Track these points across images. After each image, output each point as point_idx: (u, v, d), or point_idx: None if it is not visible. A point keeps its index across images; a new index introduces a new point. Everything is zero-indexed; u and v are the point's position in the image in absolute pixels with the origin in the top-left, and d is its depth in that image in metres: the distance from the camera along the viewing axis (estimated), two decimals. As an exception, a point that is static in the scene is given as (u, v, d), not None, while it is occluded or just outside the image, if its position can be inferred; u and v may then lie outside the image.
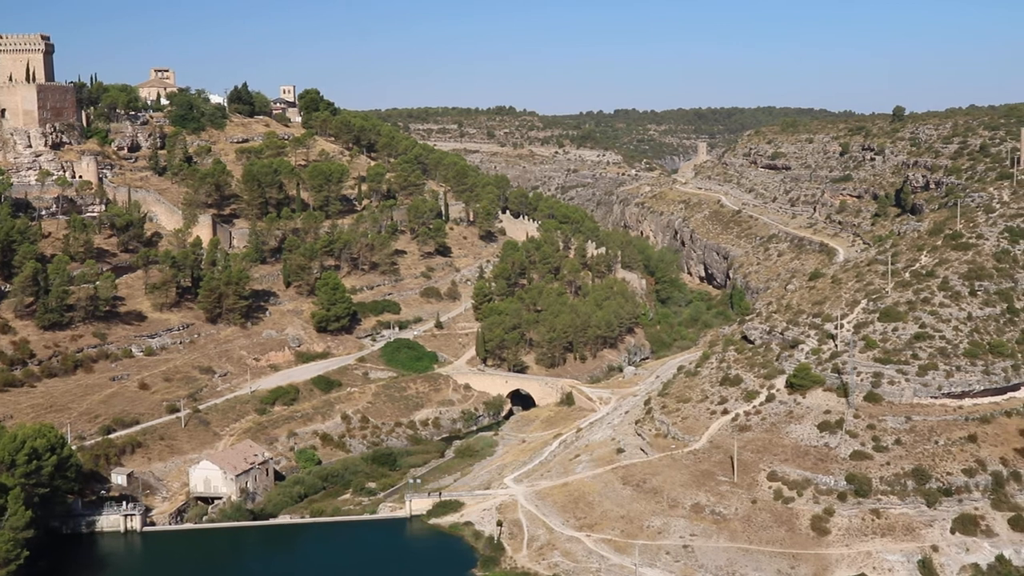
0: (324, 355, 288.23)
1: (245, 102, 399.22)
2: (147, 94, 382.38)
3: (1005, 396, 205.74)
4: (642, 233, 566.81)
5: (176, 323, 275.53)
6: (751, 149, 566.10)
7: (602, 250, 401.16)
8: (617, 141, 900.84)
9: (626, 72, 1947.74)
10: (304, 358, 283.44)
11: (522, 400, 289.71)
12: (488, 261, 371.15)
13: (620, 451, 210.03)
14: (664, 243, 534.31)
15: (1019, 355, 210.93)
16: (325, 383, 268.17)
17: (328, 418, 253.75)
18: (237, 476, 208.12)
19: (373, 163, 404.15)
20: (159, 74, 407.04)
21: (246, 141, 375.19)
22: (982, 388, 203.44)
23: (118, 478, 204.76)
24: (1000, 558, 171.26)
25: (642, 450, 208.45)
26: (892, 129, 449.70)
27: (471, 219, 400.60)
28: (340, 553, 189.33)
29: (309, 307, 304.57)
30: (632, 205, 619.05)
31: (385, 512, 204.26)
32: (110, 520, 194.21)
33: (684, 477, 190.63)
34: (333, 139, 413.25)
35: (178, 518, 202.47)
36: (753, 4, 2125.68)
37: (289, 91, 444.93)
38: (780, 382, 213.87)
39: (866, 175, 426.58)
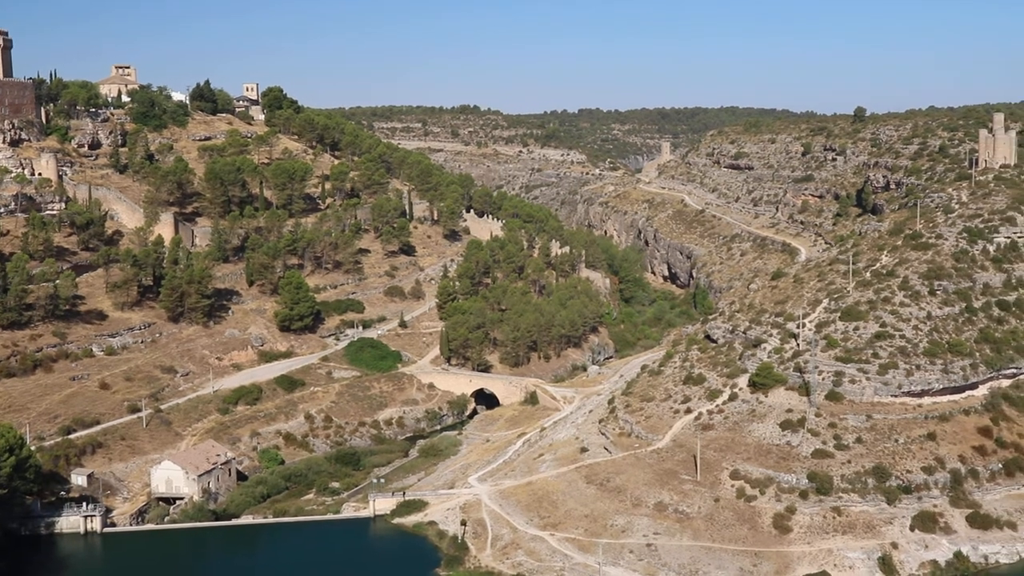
0: (287, 354, 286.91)
1: (208, 100, 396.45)
2: (108, 91, 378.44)
3: (963, 394, 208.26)
4: (606, 232, 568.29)
5: (137, 322, 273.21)
6: (714, 149, 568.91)
7: (566, 249, 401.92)
8: (581, 140, 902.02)
9: (590, 72, 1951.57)
10: (267, 357, 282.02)
11: (486, 399, 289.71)
12: (452, 260, 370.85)
13: (584, 450, 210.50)
14: (628, 242, 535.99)
15: (977, 354, 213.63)
16: (288, 382, 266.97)
17: (291, 418, 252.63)
18: (199, 476, 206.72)
19: (337, 162, 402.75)
20: (120, 71, 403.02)
21: (209, 139, 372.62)
22: (941, 387, 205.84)
23: (78, 479, 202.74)
24: (958, 555, 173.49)
25: (606, 449, 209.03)
26: (853, 130, 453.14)
27: (435, 218, 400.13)
28: (303, 553, 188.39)
29: (272, 306, 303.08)
30: (596, 204, 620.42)
31: (349, 512, 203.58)
32: (70, 521, 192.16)
33: (647, 476, 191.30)
34: (296, 137, 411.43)
35: (139, 519, 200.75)
36: (716, 4, 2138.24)
37: (252, 89, 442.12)
38: (743, 381, 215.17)
39: (828, 175, 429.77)
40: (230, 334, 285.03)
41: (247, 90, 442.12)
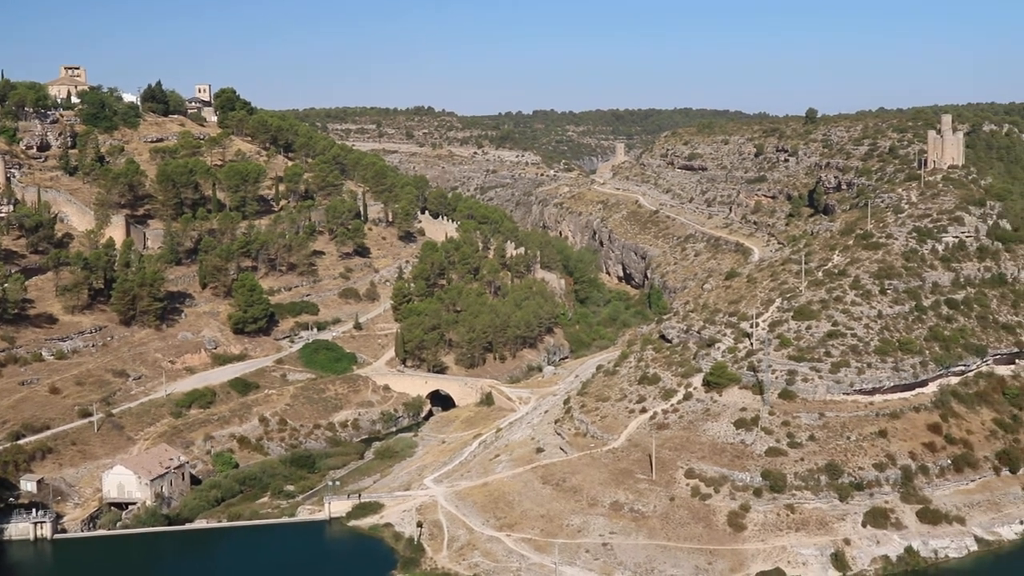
0: (241, 357, 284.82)
1: (159, 101, 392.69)
2: (57, 92, 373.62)
3: (914, 392, 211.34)
4: (561, 233, 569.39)
5: (88, 326, 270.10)
6: (668, 150, 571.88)
7: (521, 250, 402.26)
8: (536, 142, 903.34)
9: (545, 73, 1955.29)
10: (221, 360, 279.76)
11: (442, 401, 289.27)
12: (407, 262, 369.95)
13: (540, 450, 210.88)
14: (583, 243, 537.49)
15: (927, 352, 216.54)
16: (242, 385, 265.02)
17: (245, 421, 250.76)
18: (152, 481, 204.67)
19: (291, 163, 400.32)
20: (70, 72, 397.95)
21: (160, 140, 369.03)
22: (892, 384, 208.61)
23: (28, 485, 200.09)
24: (909, 549, 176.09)
25: (561, 449, 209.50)
26: (805, 131, 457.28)
27: (390, 219, 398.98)
28: (258, 557, 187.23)
29: (226, 309, 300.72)
30: (551, 205, 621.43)
31: (304, 515, 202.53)
32: (19, 528, 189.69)
33: (603, 476, 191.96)
34: (250, 139, 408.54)
35: (91, 525, 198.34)
36: (669, 7, 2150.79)
37: (205, 90, 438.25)
38: (697, 380, 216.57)
39: (780, 176, 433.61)
40: (183, 337, 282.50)
41: (199, 91, 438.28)
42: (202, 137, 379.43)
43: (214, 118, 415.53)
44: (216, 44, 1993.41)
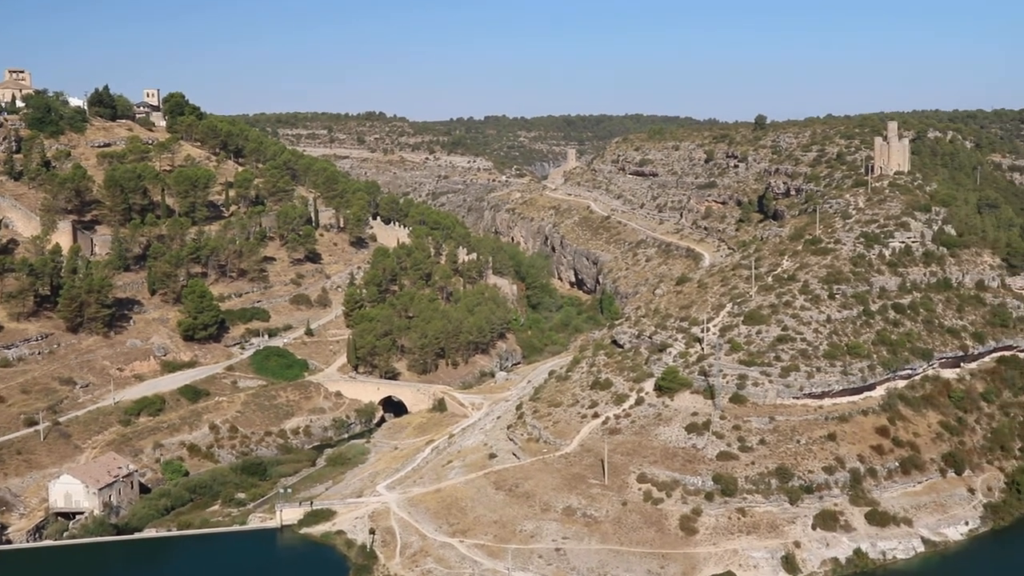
0: (191, 364, 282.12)
1: (107, 105, 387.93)
2: (1, 96, 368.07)
3: (862, 395, 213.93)
4: (513, 239, 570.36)
5: (34, 333, 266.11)
6: (619, 156, 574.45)
7: (473, 256, 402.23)
8: (488, 147, 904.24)
9: (496, 79, 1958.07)
10: (170, 367, 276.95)
11: (394, 407, 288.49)
12: (359, 267, 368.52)
13: (492, 456, 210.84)
14: (535, 249, 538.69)
15: (874, 356, 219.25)
16: (192, 392, 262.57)
17: (196, 428, 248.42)
18: (100, 490, 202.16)
19: (241, 169, 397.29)
20: (14, 75, 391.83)
21: (108, 145, 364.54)
22: (841, 388, 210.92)
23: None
24: (858, 551, 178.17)
25: (514, 455, 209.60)
26: (754, 137, 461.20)
27: (341, 225, 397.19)
28: (209, 566, 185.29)
29: (175, 315, 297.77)
30: (503, 211, 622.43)
31: (255, 523, 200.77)
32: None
33: (556, 481, 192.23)
34: (199, 144, 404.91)
35: (36, 535, 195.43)
36: (619, 12, 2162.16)
37: (153, 95, 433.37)
38: (649, 385, 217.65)
39: (730, 182, 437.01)
40: (132, 344, 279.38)
41: (148, 96, 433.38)
42: (150, 142, 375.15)
43: (163, 123, 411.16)
44: (164, 49, 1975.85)
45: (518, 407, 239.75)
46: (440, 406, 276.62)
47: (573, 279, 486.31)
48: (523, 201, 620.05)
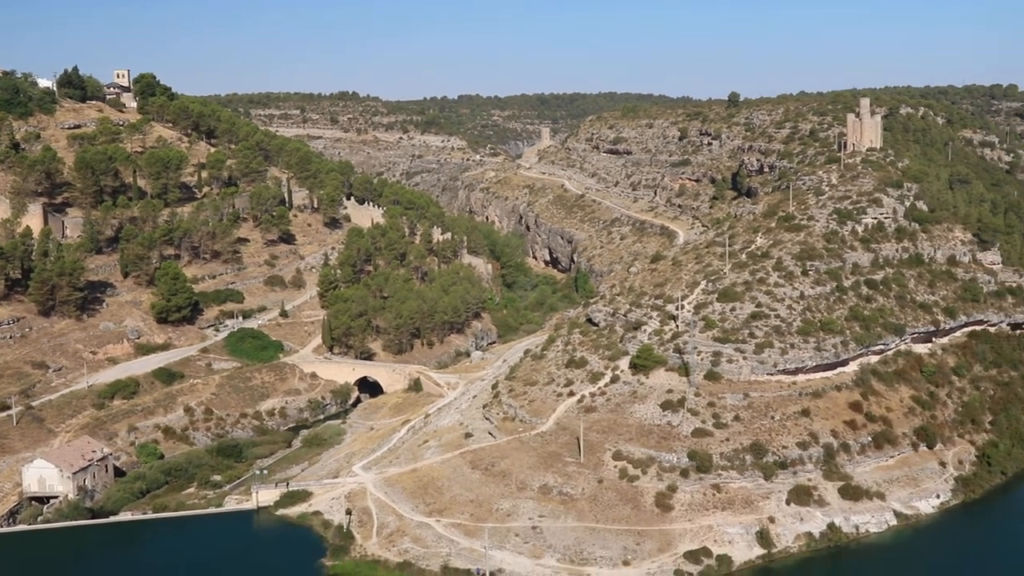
0: (165, 346, 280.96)
1: (76, 87, 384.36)
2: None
3: (835, 371, 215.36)
4: (487, 218, 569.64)
5: (5, 317, 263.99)
6: (593, 134, 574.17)
7: (448, 235, 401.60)
8: (461, 127, 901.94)
9: (469, 57, 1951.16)
10: (144, 350, 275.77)
11: (370, 387, 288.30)
12: (333, 248, 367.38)
13: (468, 435, 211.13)
14: (509, 228, 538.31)
15: (848, 332, 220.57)
16: (167, 375, 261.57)
17: (170, 411, 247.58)
18: (74, 474, 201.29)
19: (213, 150, 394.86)
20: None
21: (78, 127, 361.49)
22: (814, 364, 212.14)
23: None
24: (831, 526, 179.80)
25: (490, 434, 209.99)
26: (728, 115, 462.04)
27: (315, 206, 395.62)
28: (185, 548, 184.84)
29: (149, 298, 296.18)
30: (477, 190, 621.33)
31: (231, 505, 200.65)
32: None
33: (532, 459, 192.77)
34: (171, 125, 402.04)
35: (10, 520, 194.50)
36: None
37: (124, 75, 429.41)
38: (624, 363, 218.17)
39: (704, 159, 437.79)
40: (105, 327, 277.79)
41: (118, 77, 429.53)
42: (121, 123, 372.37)
43: (133, 104, 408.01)
44: (134, 30, 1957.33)
45: (494, 386, 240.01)
46: (416, 386, 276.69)
47: (548, 258, 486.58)
48: (497, 180, 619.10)
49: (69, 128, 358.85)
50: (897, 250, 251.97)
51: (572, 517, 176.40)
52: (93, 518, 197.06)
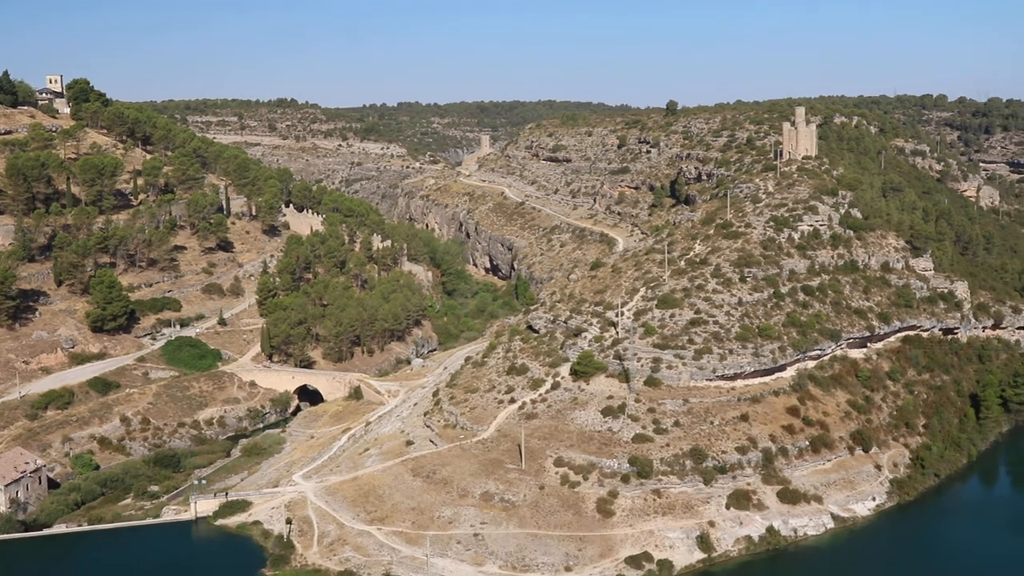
0: (101, 356, 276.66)
1: (7, 91, 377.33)
2: None
3: (773, 376, 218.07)
4: (427, 226, 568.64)
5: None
6: (533, 142, 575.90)
7: (388, 243, 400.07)
8: (401, 134, 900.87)
9: (409, 65, 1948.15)
10: (79, 359, 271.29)
11: (310, 396, 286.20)
12: (272, 256, 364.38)
13: (410, 443, 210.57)
14: (449, 235, 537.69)
15: (785, 337, 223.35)
16: (102, 385, 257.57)
17: (106, 421, 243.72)
18: (6, 486, 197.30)
19: (149, 156, 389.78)
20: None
21: (8, 133, 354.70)
22: (752, 370, 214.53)
23: None
24: (770, 529, 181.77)
25: (431, 441, 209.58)
26: (666, 123, 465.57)
27: (254, 213, 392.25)
28: (122, 561, 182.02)
29: (83, 306, 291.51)
30: (417, 198, 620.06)
31: (169, 515, 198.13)
32: None
33: (473, 466, 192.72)
34: (105, 131, 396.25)
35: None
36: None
37: (56, 81, 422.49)
38: (565, 370, 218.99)
39: (643, 167, 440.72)
40: (38, 336, 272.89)
41: (51, 82, 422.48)
42: (54, 129, 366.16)
43: (67, 110, 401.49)
44: (67, 34, 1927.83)
45: (435, 394, 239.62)
46: (356, 394, 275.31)
47: (488, 265, 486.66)
48: (437, 188, 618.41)
49: (0, 134, 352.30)
50: (833, 257, 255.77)
51: (514, 524, 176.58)
52: (26, 531, 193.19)
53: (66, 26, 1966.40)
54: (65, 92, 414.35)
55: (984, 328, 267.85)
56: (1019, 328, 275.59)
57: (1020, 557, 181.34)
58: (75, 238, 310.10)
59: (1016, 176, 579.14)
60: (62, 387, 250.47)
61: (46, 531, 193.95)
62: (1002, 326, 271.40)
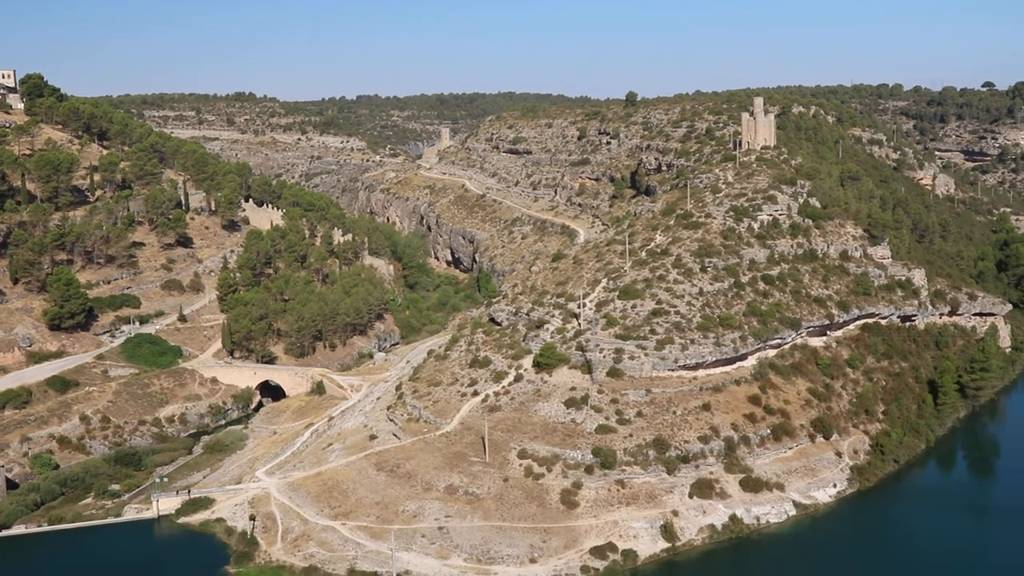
0: (59, 354, 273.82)
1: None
2: None
3: (734, 366, 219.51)
4: (388, 219, 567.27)
5: None
6: (493, 134, 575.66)
7: (349, 237, 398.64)
8: (361, 127, 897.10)
9: (368, 58, 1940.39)
10: (37, 358, 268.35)
11: (272, 391, 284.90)
12: (232, 251, 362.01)
13: (373, 437, 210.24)
14: (411, 228, 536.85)
15: (746, 327, 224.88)
16: (61, 383, 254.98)
17: (65, 420, 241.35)
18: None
19: (106, 152, 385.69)
20: None
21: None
22: (714, 359, 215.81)
23: None
24: (733, 517, 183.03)
25: (395, 435, 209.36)
26: (626, 114, 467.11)
27: (213, 208, 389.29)
28: (84, 561, 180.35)
29: (40, 304, 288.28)
30: (378, 191, 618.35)
31: (131, 514, 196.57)
32: None
33: (437, 460, 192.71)
34: (61, 127, 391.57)
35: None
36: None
37: (9, 76, 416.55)
38: (527, 362, 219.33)
39: (603, 158, 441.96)
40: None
41: (3, 77, 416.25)
42: (7, 125, 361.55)
43: (20, 105, 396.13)
44: (20, 27, 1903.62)
45: (397, 387, 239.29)
46: (319, 389, 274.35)
47: (450, 258, 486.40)
48: (398, 181, 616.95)
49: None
50: (792, 246, 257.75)
51: (478, 516, 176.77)
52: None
53: (20, 21, 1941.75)
54: (19, 87, 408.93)
55: (941, 315, 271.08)
56: (975, 315, 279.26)
57: (977, 540, 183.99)
58: (31, 235, 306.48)
59: (971, 164, 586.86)
60: (19, 386, 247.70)
61: (5, 532, 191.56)
62: (958, 312, 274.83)
